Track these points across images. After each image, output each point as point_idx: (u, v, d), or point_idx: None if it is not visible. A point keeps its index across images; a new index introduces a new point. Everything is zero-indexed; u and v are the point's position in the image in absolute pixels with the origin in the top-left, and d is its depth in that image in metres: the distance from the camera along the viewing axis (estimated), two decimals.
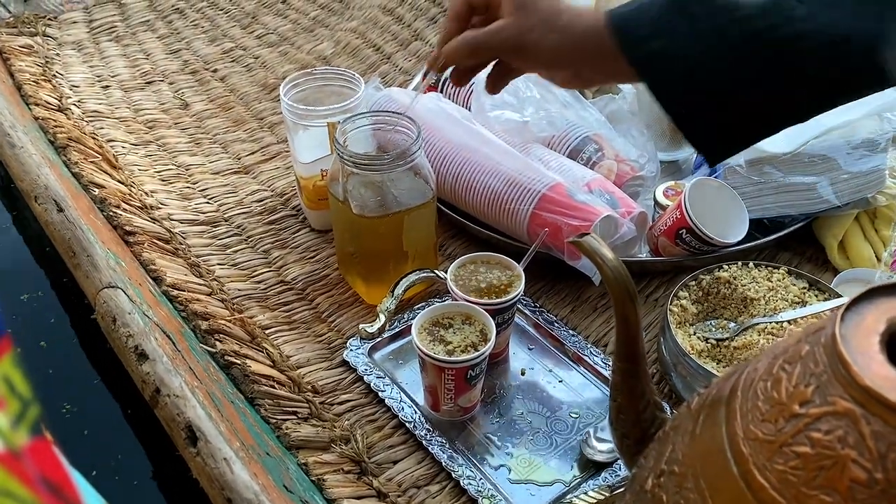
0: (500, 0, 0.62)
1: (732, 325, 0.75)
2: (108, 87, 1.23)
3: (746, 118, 0.55)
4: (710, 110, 0.55)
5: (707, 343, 0.74)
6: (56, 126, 1.01)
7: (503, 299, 0.73)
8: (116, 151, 1.05)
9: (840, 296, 0.75)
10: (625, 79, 0.58)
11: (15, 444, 0.24)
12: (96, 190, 0.91)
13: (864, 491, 0.29)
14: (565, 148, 0.93)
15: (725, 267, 0.79)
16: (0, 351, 0.25)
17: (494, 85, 0.68)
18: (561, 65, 0.61)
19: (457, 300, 0.74)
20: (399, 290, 0.81)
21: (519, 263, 0.77)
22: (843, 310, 0.33)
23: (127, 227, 0.86)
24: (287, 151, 1.09)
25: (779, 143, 0.86)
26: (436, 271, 0.83)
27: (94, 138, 1.04)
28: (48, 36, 1.34)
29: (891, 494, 0.29)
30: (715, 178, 0.89)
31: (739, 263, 0.79)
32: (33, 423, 0.25)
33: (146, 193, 0.98)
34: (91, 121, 1.12)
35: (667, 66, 0.54)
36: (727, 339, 0.74)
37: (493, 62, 0.67)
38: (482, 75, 0.97)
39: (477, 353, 0.68)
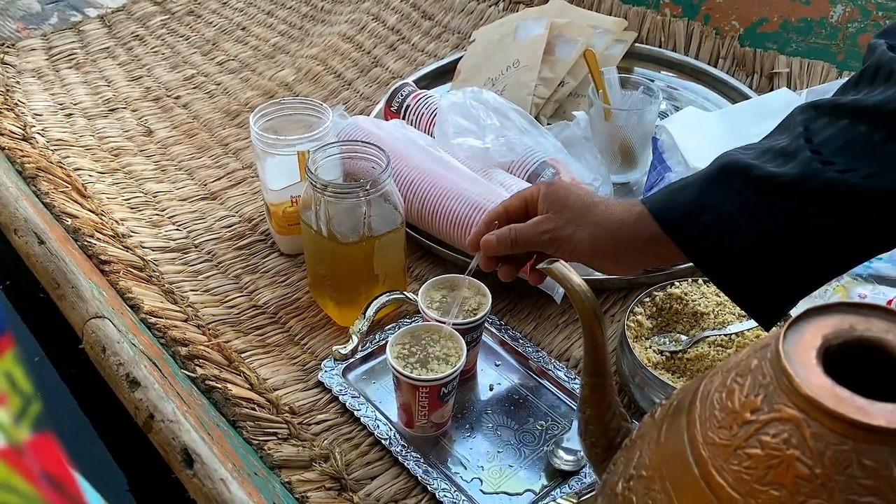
0: (536, 200, 0.66)
1: (685, 338, 0.81)
2: (71, 115, 1.23)
3: (796, 277, 0.56)
4: (757, 275, 0.56)
5: (662, 355, 0.79)
6: (23, 156, 1.02)
7: (472, 319, 0.78)
8: (84, 180, 1.06)
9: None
10: (666, 260, 0.62)
11: (17, 440, 0.24)
12: (69, 220, 0.92)
13: (806, 485, 0.34)
14: (524, 172, 0.98)
15: (677, 284, 0.84)
16: (1, 348, 0.25)
17: (540, 276, 0.70)
18: (599, 255, 0.63)
19: (428, 320, 0.78)
20: (370, 312, 0.85)
21: (483, 284, 0.81)
22: (785, 329, 0.38)
23: (102, 257, 0.88)
24: (253, 177, 1.12)
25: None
26: (405, 293, 0.86)
27: (61, 167, 1.05)
28: (7, 63, 1.34)
29: (829, 487, 0.34)
30: None
31: (690, 280, 0.85)
32: (35, 418, 0.25)
33: (117, 222, 0.99)
34: (56, 149, 1.12)
35: (713, 239, 0.56)
36: (680, 351, 0.79)
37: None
38: (445, 101, 1.02)
39: (449, 371, 0.72)
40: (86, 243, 0.89)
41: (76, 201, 0.97)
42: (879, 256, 0.83)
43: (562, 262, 0.52)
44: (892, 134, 0.51)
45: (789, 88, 1.14)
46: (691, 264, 0.88)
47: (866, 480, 0.33)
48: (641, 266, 0.65)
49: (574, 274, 0.51)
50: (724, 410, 0.38)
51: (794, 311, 0.40)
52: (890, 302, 0.78)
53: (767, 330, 0.60)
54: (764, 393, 0.36)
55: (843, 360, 0.37)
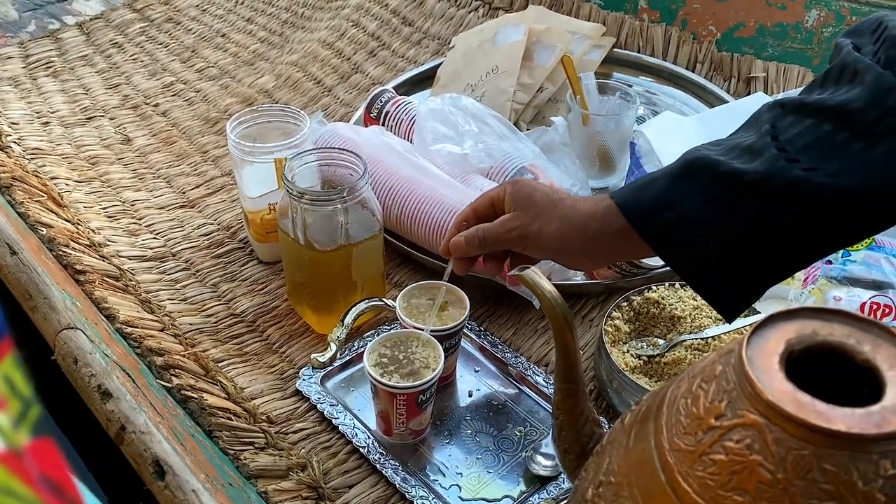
0: (502, 200, 0.67)
1: (662, 342, 0.81)
2: (47, 123, 1.22)
3: (760, 271, 0.57)
4: (722, 269, 0.57)
5: (639, 360, 0.79)
6: None
7: (450, 325, 0.77)
8: (61, 189, 1.05)
9: (759, 312, 0.82)
10: (634, 253, 0.63)
11: (16, 444, 0.25)
12: (44, 230, 0.91)
13: (769, 490, 0.34)
14: (503, 178, 0.98)
15: (654, 288, 0.85)
16: (1, 352, 0.26)
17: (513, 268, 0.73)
18: (568, 250, 0.65)
19: (406, 327, 0.78)
20: (349, 320, 0.84)
21: (461, 290, 0.81)
22: (749, 334, 0.38)
23: (77, 266, 0.87)
24: (232, 184, 1.11)
25: None
26: (384, 300, 0.86)
27: (37, 176, 1.05)
28: None
29: (791, 492, 0.34)
30: None
31: (667, 284, 0.85)
32: (34, 422, 0.25)
33: (93, 231, 0.98)
34: (33, 158, 1.12)
35: (679, 234, 0.57)
36: (657, 355, 0.79)
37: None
38: (424, 108, 1.02)
39: (427, 378, 0.72)
40: (61, 253, 0.89)
41: (52, 210, 0.97)
42: (853, 259, 0.83)
43: (533, 268, 0.52)
44: (855, 133, 0.52)
45: (766, 92, 1.15)
46: (669, 268, 0.89)
47: (827, 485, 0.33)
48: (609, 260, 0.67)
49: (544, 280, 0.51)
50: (690, 416, 0.38)
51: (771, 308, 0.40)
52: (863, 304, 0.79)
53: (730, 322, 0.61)
54: (728, 399, 0.37)
55: (806, 365, 0.37)
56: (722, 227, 0.56)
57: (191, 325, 0.88)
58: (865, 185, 0.52)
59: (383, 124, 1.09)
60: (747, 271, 0.57)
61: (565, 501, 0.69)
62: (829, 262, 0.85)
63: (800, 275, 0.90)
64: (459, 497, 0.71)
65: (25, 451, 0.25)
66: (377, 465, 0.73)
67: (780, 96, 1.05)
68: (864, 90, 0.52)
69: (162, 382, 0.75)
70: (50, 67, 1.38)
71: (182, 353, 0.81)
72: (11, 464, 0.24)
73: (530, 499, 0.71)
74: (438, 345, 0.75)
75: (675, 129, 1.02)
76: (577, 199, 0.65)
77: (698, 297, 0.84)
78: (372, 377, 0.72)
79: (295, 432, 0.77)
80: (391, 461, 0.74)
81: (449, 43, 1.32)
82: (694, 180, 0.57)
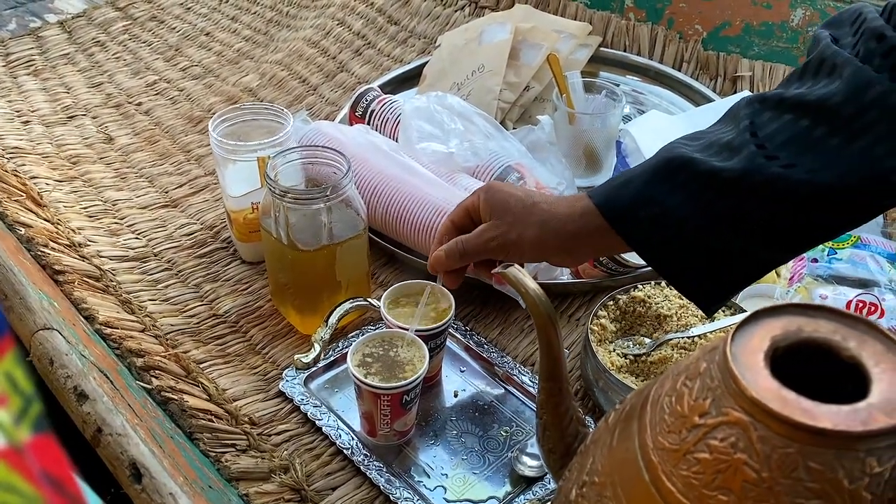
0: (478, 209, 0.67)
1: (648, 341, 0.80)
2: (28, 122, 1.21)
3: (738, 268, 0.58)
4: (701, 266, 0.57)
5: (626, 359, 0.79)
6: None
7: (435, 325, 0.77)
8: (41, 189, 1.04)
9: (745, 310, 0.81)
10: (614, 250, 0.66)
11: (17, 440, 0.25)
12: (22, 229, 0.90)
13: (753, 489, 0.34)
14: (489, 177, 0.97)
15: (640, 287, 0.84)
16: (2, 349, 0.26)
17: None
18: (548, 253, 0.65)
19: (390, 327, 0.77)
20: (333, 320, 0.83)
21: (447, 289, 0.80)
22: (734, 331, 0.37)
23: (56, 267, 0.86)
24: (215, 184, 1.10)
25: None
26: (369, 300, 0.85)
27: (16, 176, 1.03)
28: None
29: (776, 490, 0.33)
30: None
31: (653, 283, 0.85)
32: (36, 419, 0.26)
33: (73, 231, 0.97)
34: (12, 157, 1.10)
35: (658, 232, 0.57)
36: (644, 354, 0.79)
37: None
38: (409, 106, 1.01)
39: (411, 379, 0.71)
40: (39, 253, 0.87)
41: (31, 210, 0.95)
42: (839, 257, 0.83)
43: (516, 266, 0.52)
44: (833, 129, 0.52)
45: (752, 91, 1.15)
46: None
47: (812, 483, 0.33)
48: (591, 257, 0.69)
49: (528, 278, 0.50)
50: (674, 414, 0.38)
51: (757, 306, 0.39)
52: (849, 303, 0.79)
53: (709, 316, 0.61)
54: (712, 396, 0.36)
55: (791, 362, 0.37)
56: (700, 225, 0.56)
57: (172, 325, 0.87)
58: (843, 181, 0.52)
59: (368, 123, 1.08)
60: (726, 268, 0.57)
61: (550, 502, 0.68)
62: (815, 261, 0.85)
63: (786, 273, 0.90)
64: (444, 498, 0.71)
65: (26, 448, 0.25)
66: (361, 467, 0.72)
67: None
68: (842, 84, 0.52)
69: (141, 384, 0.73)
70: (31, 66, 1.36)
71: (163, 354, 0.80)
72: (12, 460, 0.24)
73: (516, 500, 0.70)
74: (423, 345, 0.74)
75: (662, 128, 1.02)
76: (553, 201, 0.65)
77: (683, 297, 0.84)
78: (356, 377, 0.71)
79: (278, 434, 0.76)
80: (375, 462, 0.73)
81: (435, 42, 1.32)
82: (672, 178, 0.57)
